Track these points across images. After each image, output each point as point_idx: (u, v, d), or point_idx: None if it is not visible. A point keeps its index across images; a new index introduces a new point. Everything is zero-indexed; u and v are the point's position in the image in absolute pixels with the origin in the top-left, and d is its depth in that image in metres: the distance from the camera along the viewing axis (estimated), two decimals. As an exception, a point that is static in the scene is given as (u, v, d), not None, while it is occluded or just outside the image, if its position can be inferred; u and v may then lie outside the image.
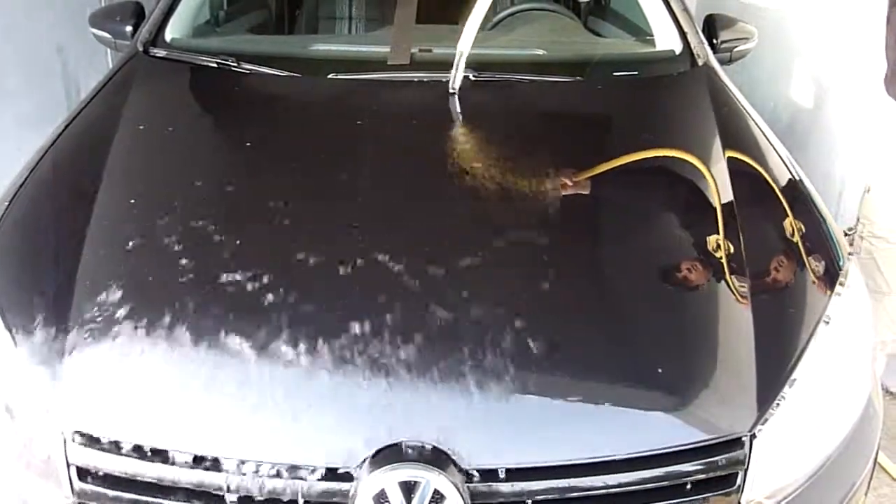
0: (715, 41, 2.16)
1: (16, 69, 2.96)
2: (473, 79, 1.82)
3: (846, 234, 2.17)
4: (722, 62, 2.11)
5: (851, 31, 2.70)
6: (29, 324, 1.24)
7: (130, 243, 1.39)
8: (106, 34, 2.15)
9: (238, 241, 1.36)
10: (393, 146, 1.63)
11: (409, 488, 1.09)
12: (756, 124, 1.80)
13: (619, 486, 1.14)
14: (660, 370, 1.19)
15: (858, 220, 2.13)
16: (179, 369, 1.19)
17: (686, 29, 2.08)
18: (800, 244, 1.47)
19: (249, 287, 1.27)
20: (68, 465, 1.15)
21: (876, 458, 1.40)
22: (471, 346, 1.19)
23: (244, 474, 1.11)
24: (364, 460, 1.10)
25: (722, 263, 1.37)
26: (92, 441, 1.14)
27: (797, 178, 1.65)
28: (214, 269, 1.32)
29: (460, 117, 1.79)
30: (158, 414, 1.16)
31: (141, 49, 1.96)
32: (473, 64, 1.86)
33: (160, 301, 1.25)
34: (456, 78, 1.73)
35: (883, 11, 2.02)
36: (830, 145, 2.80)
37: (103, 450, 1.14)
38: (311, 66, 1.92)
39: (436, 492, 1.09)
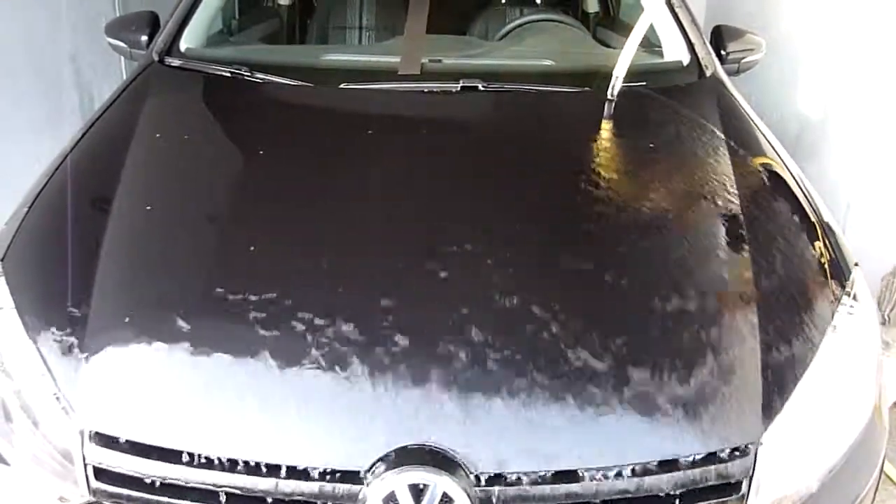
0: (723, 52, 2.17)
1: (30, 76, 2.99)
2: (483, 89, 1.84)
3: None
4: (730, 73, 2.12)
5: (859, 42, 2.71)
6: (48, 326, 1.27)
7: (147, 249, 1.42)
8: (122, 43, 2.18)
9: (252, 247, 1.38)
10: (405, 154, 1.65)
11: (418, 491, 1.10)
12: (764, 135, 1.81)
13: (625, 493, 1.15)
14: (666, 379, 1.21)
15: None
16: (194, 372, 1.21)
17: (694, 40, 2.10)
18: (806, 254, 1.48)
19: (264, 292, 1.28)
20: (85, 465, 1.17)
21: (882, 468, 1.40)
22: (480, 353, 1.21)
23: (257, 475, 1.13)
24: (374, 463, 1.12)
25: (729, 273, 1.39)
26: (109, 441, 1.17)
27: (804, 189, 1.65)
28: (229, 274, 1.34)
29: (470, 125, 1.81)
30: (173, 415, 1.18)
31: (156, 58, 1.99)
32: (483, 74, 1.89)
33: (176, 305, 1.28)
34: (614, 88, 1.82)
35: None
36: (838, 155, 2.81)
37: (120, 450, 1.16)
38: (323, 76, 1.95)
39: (444, 495, 1.10)
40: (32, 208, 1.50)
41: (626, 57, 1.82)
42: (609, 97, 1.81)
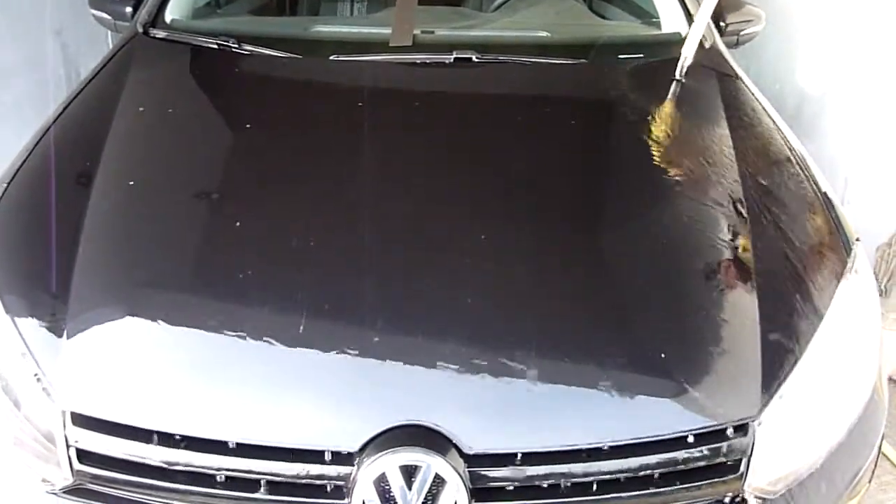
0: (722, 24, 2.13)
1: (15, 51, 2.93)
2: (477, 60, 1.80)
3: None
4: (729, 45, 2.08)
5: (860, 15, 2.66)
6: (28, 305, 1.24)
7: (129, 225, 1.39)
8: (106, 15, 2.13)
9: (238, 223, 1.35)
10: (396, 127, 1.62)
11: (409, 472, 1.08)
12: (763, 108, 1.78)
13: (621, 471, 1.13)
14: (663, 356, 1.18)
15: None
16: (179, 351, 1.19)
17: (692, 11, 2.06)
18: (807, 230, 1.46)
19: (249, 269, 1.26)
20: (68, 447, 1.14)
21: (881, 446, 1.39)
22: (473, 331, 1.18)
23: (244, 457, 1.11)
24: (365, 444, 1.10)
25: (728, 248, 1.36)
26: (91, 422, 1.14)
27: (804, 162, 1.63)
28: (214, 251, 1.31)
29: (463, 98, 1.77)
30: (158, 396, 1.16)
31: (140, 30, 1.94)
32: (476, 46, 1.85)
33: (159, 283, 1.25)
34: (684, 66, 1.78)
35: None
36: (837, 130, 2.78)
37: (103, 431, 1.13)
38: (313, 48, 1.90)
39: (436, 476, 1.08)
40: (12, 184, 1.46)
41: (693, 38, 1.78)
42: (678, 78, 1.78)
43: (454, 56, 1.80)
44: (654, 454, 1.14)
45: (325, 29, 2.10)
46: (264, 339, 1.17)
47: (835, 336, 1.28)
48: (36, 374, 1.18)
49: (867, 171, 2.65)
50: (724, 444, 1.16)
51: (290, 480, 1.11)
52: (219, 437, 1.11)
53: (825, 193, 1.55)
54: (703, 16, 1.79)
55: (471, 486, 1.10)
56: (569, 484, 1.13)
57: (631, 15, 2.40)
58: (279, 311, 1.20)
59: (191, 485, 1.12)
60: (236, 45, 1.83)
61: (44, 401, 1.16)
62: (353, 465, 1.10)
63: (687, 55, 1.77)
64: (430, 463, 1.08)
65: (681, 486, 1.15)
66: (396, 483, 1.08)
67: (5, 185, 1.46)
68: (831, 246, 1.42)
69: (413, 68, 1.81)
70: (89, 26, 2.35)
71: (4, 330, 1.22)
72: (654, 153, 1.56)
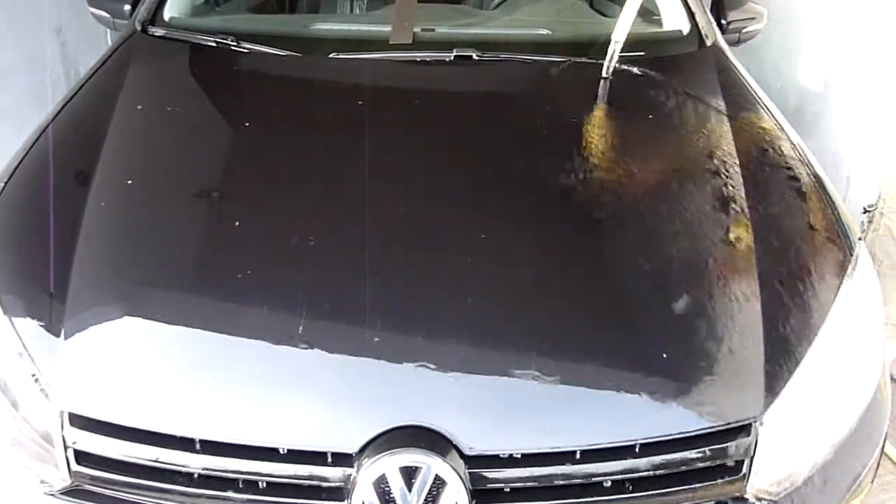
0: (723, 21, 2.13)
1: (15, 51, 2.93)
2: (477, 58, 1.79)
3: (867, 211, 2.14)
4: (730, 43, 2.07)
5: (861, 12, 2.65)
6: (25, 305, 1.23)
7: (127, 224, 1.38)
8: (104, 13, 2.12)
9: (237, 222, 1.35)
10: (396, 126, 1.61)
11: (409, 474, 1.07)
12: (765, 106, 1.78)
13: (622, 472, 1.13)
14: (665, 356, 1.17)
15: (880, 196, 2.11)
16: (177, 352, 1.18)
17: (694, 9, 2.05)
18: (809, 228, 1.45)
19: (248, 268, 1.25)
20: (65, 448, 1.14)
21: (883, 446, 1.38)
22: (473, 332, 1.18)
23: (243, 458, 1.10)
24: (365, 445, 1.09)
25: (730, 248, 1.35)
26: (89, 423, 1.13)
27: (806, 160, 1.62)
28: (212, 250, 1.30)
29: (464, 96, 1.77)
30: (156, 397, 1.15)
31: (139, 28, 1.94)
32: (477, 44, 1.84)
33: (157, 282, 1.24)
34: (610, 66, 1.75)
35: None
36: (839, 128, 2.77)
37: (100, 432, 1.13)
38: (312, 46, 1.90)
39: (437, 477, 1.07)
40: (9, 183, 1.46)
41: (620, 30, 1.75)
42: (605, 75, 1.75)
43: (454, 54, 1.80)
44: (655, 455, 1.13)
45: (325, 27, 2.09)
46: (263, 339, 1.16)
47: (838, 336, 1.27)
48: (34, 375, 1.17)
49: (869, 169, 2.64)
50: (727, 445, 1.16)
51: (289, 482, 1.10)
52: (217, 437, 1.11)
53: (828, 192, 1.54)
54: (629, 13, 1.76)
55: (471, 488, 1.09)
56: (570, 485, 1.12)
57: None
58: (278, 311, 1.19)
59: (189, 486, 1.12)
60: (235, 43, 1.83)
61: (41, 401, 1.16)
62: (352, 467, 1.09)
63: (614, 52, 1.75)
64: (430, 464, 1.07)
65: (683, 487, 1.15)
66: (396, 484, 1.07)
67: (3, 183, 1.46)
68: (833, 245, 1.41)
69: (413, 66, 1.80)
70: (88, 25, 2.34)
71: (2, 330, 1.21)
72: (655, 151, 1.55)
